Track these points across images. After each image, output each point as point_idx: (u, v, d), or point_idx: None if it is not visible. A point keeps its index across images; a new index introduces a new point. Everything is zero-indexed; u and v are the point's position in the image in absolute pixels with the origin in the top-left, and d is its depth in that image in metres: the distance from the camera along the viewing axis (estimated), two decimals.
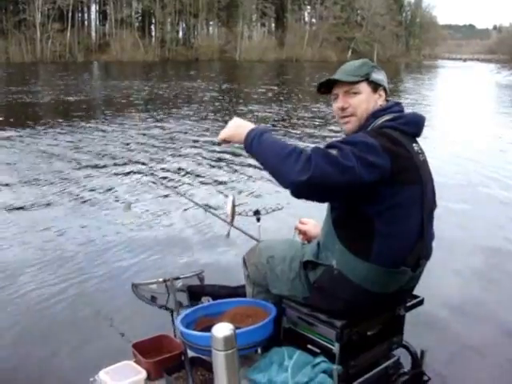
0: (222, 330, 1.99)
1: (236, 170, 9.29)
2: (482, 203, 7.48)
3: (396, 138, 2.25)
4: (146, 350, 2.82)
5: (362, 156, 2.05)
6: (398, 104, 2.48)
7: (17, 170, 8.82)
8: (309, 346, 2.52)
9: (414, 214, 2.26)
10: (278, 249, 2.63)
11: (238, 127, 2.31)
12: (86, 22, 74.12)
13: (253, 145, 2.20)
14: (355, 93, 2.44)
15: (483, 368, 3.42)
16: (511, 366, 3.47)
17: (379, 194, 2.15)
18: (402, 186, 2.18)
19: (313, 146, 2.10)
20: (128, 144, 11.22)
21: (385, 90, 2.49)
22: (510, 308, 4.30)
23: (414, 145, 2.33)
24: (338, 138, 2.18)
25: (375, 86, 2.46)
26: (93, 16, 74.45)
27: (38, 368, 3.46)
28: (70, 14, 66.06)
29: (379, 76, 2.49)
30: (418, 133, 2.41)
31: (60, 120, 14.40)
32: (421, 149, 2.38)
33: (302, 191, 2.03)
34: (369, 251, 2.22)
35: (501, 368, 3.44)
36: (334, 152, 2.03)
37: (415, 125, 2.39)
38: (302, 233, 2.88)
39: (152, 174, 8.16)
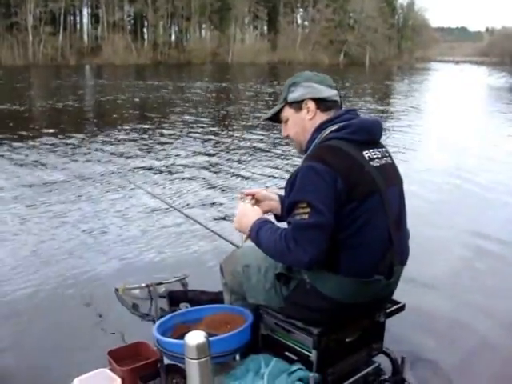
0: (195, 337, 1.96)
1: (220, 173, 9.26)
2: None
3: (342, 148, 2.21)
4: (121, 357, 2.77)
5: (322, 200, 2.11)
6: (350, 111, 2.39)
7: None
8: (286, 353, 2.48)
9: (377, 223, 2.23)
10: (253, 257, 2.56)
11: (242, 220, 2.45)
12: (78, 26, 73.94)
13: (255, 241, 2.35)
14: (286, 121, 2.50)
15: (466, 375, 3.38)
16: (496, 373, 3.42)
17: (337, 213, 2.14)
18: (357, 200, 2.16)
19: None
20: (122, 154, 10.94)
21: (313, 99, 2.40)
22: (492, 311, 4.26)
23: (366, 152, 2.27)
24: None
25: (297, 105, 2.43)
26: (85, 19, 74.38)
27: (9, 374, 3.37)
28: (61, 18, 65.92)
29: (296, 93, 2.43)
30: (371, 138, 2.34)
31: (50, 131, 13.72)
32: (379, 153, 2.33)
33: (313, 265, 2.15)
34: (337, 264, 2.20)
35: (485, 375, 3.39)
36: (304, 216, 2.11)
37: (365, 131, 2.30)
38: (250, 194, 2.66)
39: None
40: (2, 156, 10.24)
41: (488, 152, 11.76)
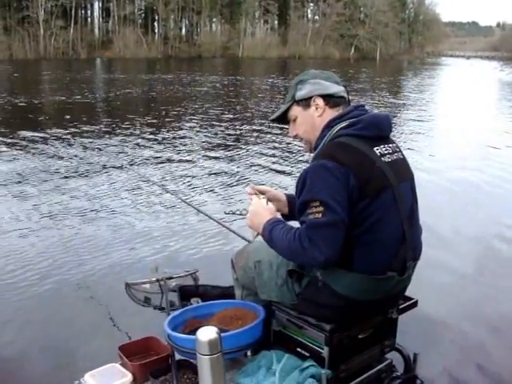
0: (207, 333, 1.93)
1: (235, 168, 9.26)
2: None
3: (352, 145, 2.19)
4: (132, 352, 2.76)
5: (334, 198, 2.08)
6: (359, 107, 2.38)
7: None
8: (298, 350, 2.46)
9: (390, 219, 2.20)
10: (264, 253, 2.52)
11: (254, 219, 2.42)
12: (89, 19, 74.22)
13: (267, 240, 2.32)
14: (294, 120, 2.47)
15: (478, 372, 3.35)
16: (508, 372, 3.39)
17: (350, 210, 2.11)
18: (370, 197, 2.13)
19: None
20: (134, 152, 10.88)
21: (321, 95, 2.38)
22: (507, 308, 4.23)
23: (377, 148, 2.24)
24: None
25: (305, 102, 2.41)
26: (96, 13, 74.71)
27: (21, 368, 3.39)
28: (73, 11, 66.09)
29: (303, 91, 2.41)
30: (381, 134, 2.31)
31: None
32: (390, 148, 2.30)
33: (329, 264, 2.11)
34: (350, 261, 2.18)
35: (496, 374, 3.36)
36: (318, 215, 2.08)
37: (375, 127, 2.27)
38: (260, 192, 2.60)
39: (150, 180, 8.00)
40: (18, 152, 10.22)
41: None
